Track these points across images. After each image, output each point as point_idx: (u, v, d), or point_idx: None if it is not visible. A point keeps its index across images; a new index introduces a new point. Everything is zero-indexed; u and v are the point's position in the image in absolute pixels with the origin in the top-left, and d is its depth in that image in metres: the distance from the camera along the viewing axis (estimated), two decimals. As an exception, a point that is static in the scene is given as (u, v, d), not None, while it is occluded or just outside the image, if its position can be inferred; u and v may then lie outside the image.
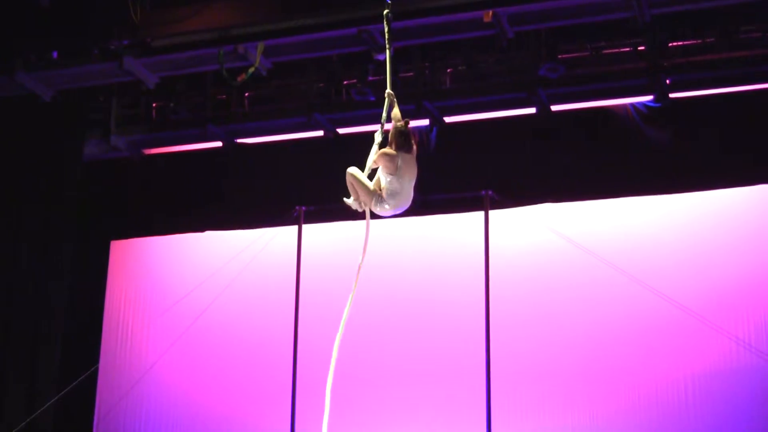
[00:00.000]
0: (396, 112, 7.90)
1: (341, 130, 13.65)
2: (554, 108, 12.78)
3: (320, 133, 13.75)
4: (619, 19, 11.29)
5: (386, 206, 7.63)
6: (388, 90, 7.93)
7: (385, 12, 8.12)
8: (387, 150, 7.54)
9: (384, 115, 7.88)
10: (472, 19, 11.22)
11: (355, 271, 7.88)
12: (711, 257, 12.01)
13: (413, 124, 12.49)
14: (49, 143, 13.81)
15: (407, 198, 7.64)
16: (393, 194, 7.56)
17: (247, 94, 13.75)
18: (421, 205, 12.98)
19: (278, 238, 13.77)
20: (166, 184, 14.43)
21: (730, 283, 11.89)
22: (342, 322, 7.79)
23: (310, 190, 13.48)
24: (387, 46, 8.09)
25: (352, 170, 7.68)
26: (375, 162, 7.61)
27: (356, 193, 7.67)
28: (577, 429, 12.11)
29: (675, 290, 11.98)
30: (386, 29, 8.11)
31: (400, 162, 7.51)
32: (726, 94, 12.18)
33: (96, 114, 14.08)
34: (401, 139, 7.56)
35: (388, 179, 7.54)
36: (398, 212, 7.74)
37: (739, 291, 11.85)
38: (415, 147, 7.66)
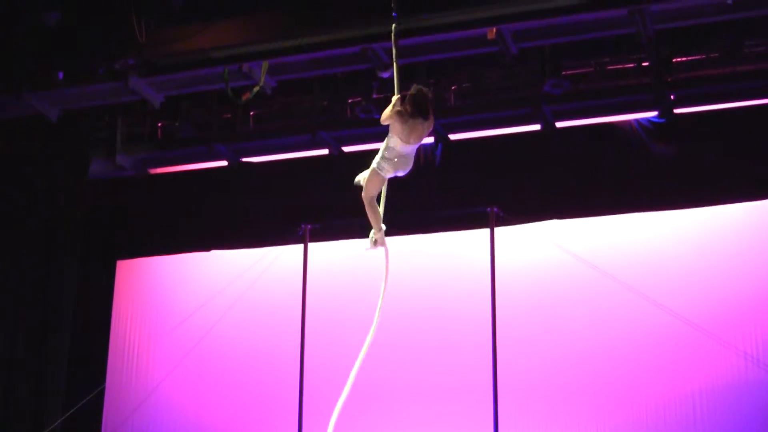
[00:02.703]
0: None
1: (346, 148, 13.67)
2: (559, 124, 12.80)
3: (325, 151, 13.77)
4: (622, 34, 11.30)
5: (382, 167, 7.64)
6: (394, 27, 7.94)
7: (393, 28, 8.16)
8: (397, 109, 7.52)
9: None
10: (476, 36, 11.23)
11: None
12: (717, 272, 11.99)
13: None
14: (55, 163, 13.84)
15: (407, 162, 7.66)
16: (391, 149, 7.61)
17: (252, 113, 13.77)
18: (427, 222, 13.05)
19: (284, 257, 13.76)
20: (172, 203, 14.43)
21: (737, 297, 11.86)
22: (363, 349, 7.81)
23: (315, 208, 13.49)
24: (395, 62, 8.10)
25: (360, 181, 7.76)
26: (388, 118, 7.56)
27: (375, 220, 7.70)
28: (584, 444, 12.11)
29: (682, 305, 11.96)
30: (393, 45, 8.15)
31: (408, 127, 7.50)
32: (731, 109, 12.18)
33: (101, 133, 14.12)
34: (416, 104, 7.49)
35: (392, 140, 7.57)
36: (402, 175, 7.76)
37: (745, 306, 11.83)
38: (431, 117, 7.58)
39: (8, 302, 13.52)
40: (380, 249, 7.90)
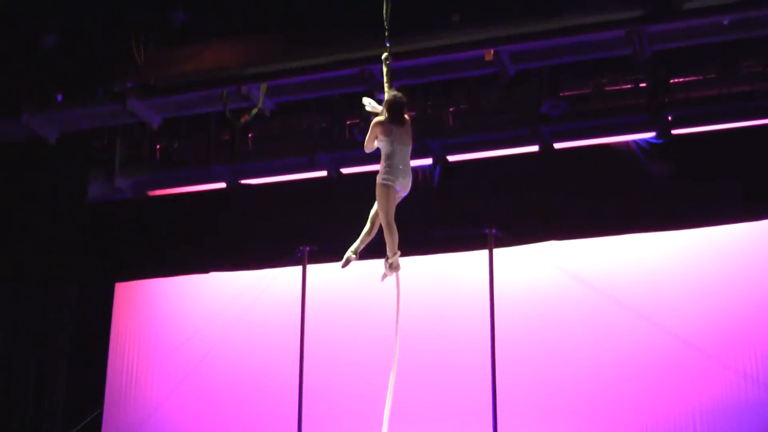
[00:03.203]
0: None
1: (344, 170, 13.67)
2: (557, 145, 12.80)
3: (324, 172, 13.76)
4: (620, 55, 11.32)
5: (386, 175, 7.80)
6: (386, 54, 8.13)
7: (384, 55, 8.23)
8: (378, 119, 7.89)
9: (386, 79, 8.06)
10: (474, 58, 11.26)
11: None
12: (715, 292, 11.99)
13: (416, 163, 12.63)
14: (54, 185, 13.83)
15: (405, 170, 7.89)
16: (388, 156, 7.82)
17: (250, 135, 13.79)
18: (426, 243, 13.04)
19: (282, 278, 13.75)
20: (170, 225, 14.42)
21: (735, 317, 11.86)
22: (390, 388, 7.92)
23: (314, 230, 13.48)
24: (386, 86, 8.18)
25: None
26: (371, 136, 7.88)
27: (393, 243, 7.79)
28: (584, 464, 12.09)
29: (680, 325, 11.97)
30: (385, 71, 8.23)
31: (390, 127, 7.82)
32: (728, 130, 12.19)
33: (100, 155, 14.11)
34: (393, 111, 7.88)
35: (383, 143, 7.85)
36: (405, 194, 7.96)
37: (743, 325, 11.83)
38: (407, 118, 7.96)
39: (7, 324, 13.49)
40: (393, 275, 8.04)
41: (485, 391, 12.33)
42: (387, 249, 7.94)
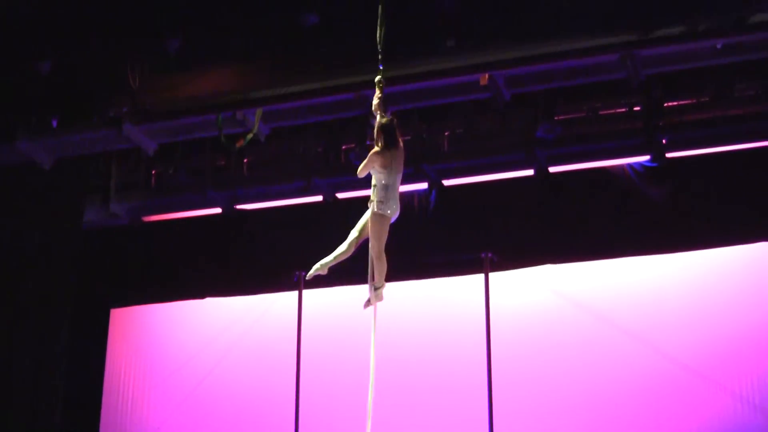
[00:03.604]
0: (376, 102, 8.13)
1: (340, 195, 13.66)
2: (552, 169, 12.82)
3: (319, 197, 13.76)
4: (614, 79, 11.35)
5: (384, 205, 7.87)
6: (379, 77, 8.15)
7: (377, 78, 8.26)
8: (376, 150, 7.90)
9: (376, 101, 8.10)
10: (469, 82, 11.28)
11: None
12: (712, 315, 12.00)
13: (411, 188, 12.68)
14: (49, 210, 13.81)
15: (397, 198, 7.97)
16: (385, 187, 7.87)
17: (246, 160, 13.78)
18: (422, 268, 13.04)
19: (278, 303, 13.74)
20: (166, 250, 14.40)
21: (732, 340, 11.87)
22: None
23: (309, 255, 13.40)
24: (379, 111, 8.20)
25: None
26: (368, 164, 7.88)
27: (382, 272, 7.82)
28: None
29: (677, 348, 11.98)
30: (377, 94, 8.26)
31: (390, 158, 7.87)
32: (722, 153, 12.22)
33: (95, 180, 14.10)
34: (387, 136, 7.93)
35: (380, 174, 7.86)
36: (395, 219, 8.01)
37: (740, 348, 11.83)
38: (400, 141, 8.00)
39: (1, 350, 13.45)
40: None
41: (482, 415, 12.30)
42: (376, 277, 7.97)
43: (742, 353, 11.81)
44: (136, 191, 14.15)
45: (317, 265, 8.20)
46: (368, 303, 8.11)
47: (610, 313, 12.28)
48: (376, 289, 7.98)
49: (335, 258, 8.22)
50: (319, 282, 13.28)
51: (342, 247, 8.24)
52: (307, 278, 8.38)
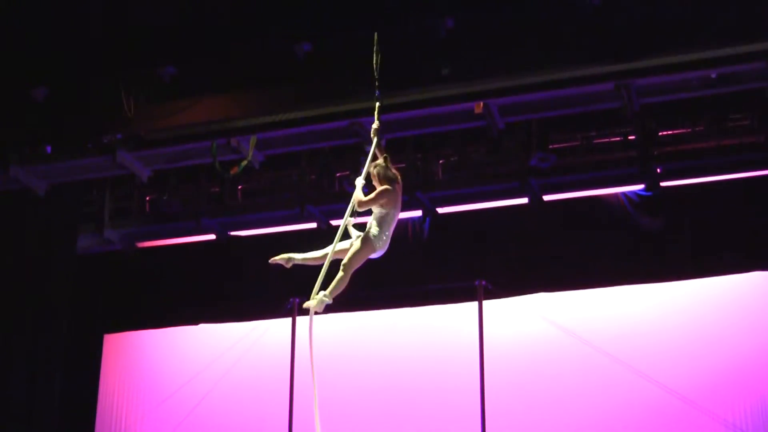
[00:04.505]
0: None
1: (334, 222, 13.66)
2: (546, 197, 12.83)
3: (313, 224, 13.75)
4: (609, 108, 11.37)
5: (377, 239, 7.84)
6: (375, 125, 8.12)
7: (375, 127, 8.27)
8: (385, 187, 7.80)
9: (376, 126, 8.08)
10: (463, 111, 11.30)
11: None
12: (704, 344, 12.02)
13: (406, 215, 12.67)
14: (43, 237, 13.79)
15: (390, 235, 7.91)
16: (385, 223, 7.84)
17: (240, 187, 13.79)
18: (415, 296, 13.03)
19: (272, 330, 13.71)
20: (160, 277, 14.39)
21: (725, 369, 11.89)
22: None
23: (303, 282, 13.38)
24: (374, 141, 8.19)
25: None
26: (375, 199, 7.79)
27: (339, 290, 7.83)
28: None
29: (669, 377, 11.98)
30: (375, 142, 8.27)
31: (396, 196, 7.84)
32: (717, 182, 12.24)
33: (89, 207, 14.10)
34: (390, 173, 7.85)
35: (383, 210, 7.81)
36: (377, 256, 7.96)
37: (732, 377, 11.85)
38: (399, 176, 7.94)
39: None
40: (308, 317, 8.07)
41: (475, 442, 12.30)
42: (330, 288, 7.96)
43: (734, 382, 11.81)
44: (130, 218, 14.15)
45: (284, 255, 8.22)
46: (308, 304, 8.12)
47: (603, 342, 12.27)
48: (324, 297, 8.00)
49: (304, 259, 8.25)
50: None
51: (316, 253, 8.26)
52: (270, 262, 8.35)
